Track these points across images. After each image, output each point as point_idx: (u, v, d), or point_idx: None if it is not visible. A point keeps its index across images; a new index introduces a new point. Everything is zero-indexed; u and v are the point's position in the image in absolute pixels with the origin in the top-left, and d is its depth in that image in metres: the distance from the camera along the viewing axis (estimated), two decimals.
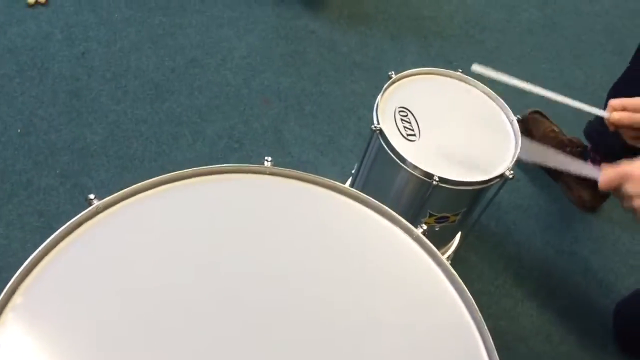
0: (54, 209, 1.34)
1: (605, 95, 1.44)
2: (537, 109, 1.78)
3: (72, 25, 1.77)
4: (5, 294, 0.61)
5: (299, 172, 0.82)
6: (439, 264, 0.77)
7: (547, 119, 1.77)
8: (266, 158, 0.83)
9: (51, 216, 1.32)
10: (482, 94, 1.29)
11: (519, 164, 1.69)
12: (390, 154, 1.14)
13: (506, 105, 1.26)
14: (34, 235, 1.28)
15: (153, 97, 1.65)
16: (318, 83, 1.81)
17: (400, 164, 1.13)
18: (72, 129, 1.52)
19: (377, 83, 1.20)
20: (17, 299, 0.62)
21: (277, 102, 1.73)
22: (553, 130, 1.73)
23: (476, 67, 1.20)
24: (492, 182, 1.14)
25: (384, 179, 1.23)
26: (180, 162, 1.50)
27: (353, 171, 1.39)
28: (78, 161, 1.46)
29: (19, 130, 1.49)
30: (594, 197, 1.64)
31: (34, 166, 1.42)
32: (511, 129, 1.24)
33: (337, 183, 0.82)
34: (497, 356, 0.66)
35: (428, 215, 1.22)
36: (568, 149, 1.67)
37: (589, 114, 1.03)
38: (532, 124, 1.77)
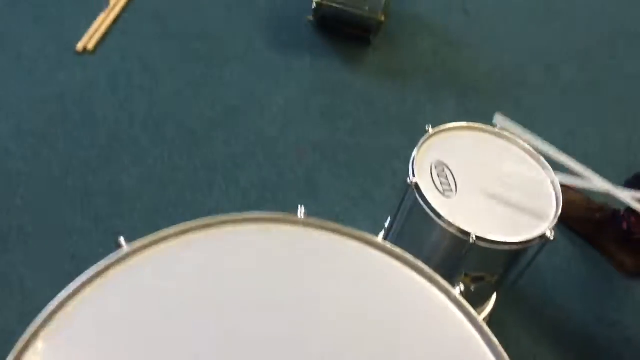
0: (87, 252, 1.35)
1: None
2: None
3: (117, 72, 1.83)
4: (26, 338, 0.60)
5: (332, 223, 0.80)
6: (478, 329, 0.73)
7: (573, 189, 1.72)
8: (300, 207, 0.81)
9: (82, 259, 1.32)
10: (522, 151, 1.26)
11: (558, 226, 1.63)
12: (426, 209, 1.11)
13: (547, 164, 1.23)
14: (65, 279, 1.28)
15: (190, 144, 1.67)
16: (354, 135, 1.81)
17: (436, 219, 1.10)
18: (109, 172, 1.54)
19: (414, 136, 1.18)
20: (38, 344, 0.61)
21: (311, 153, 1.73)
22: (581, 199, 1.68)
23: (498, 119, 1.18)
24: (531, 243, 1.10)
25: (418, 235, 1.19)
26: (213, 210, 1.50)
27: (386, 225, 1.36)
28: (112, 205, 1.47)
29: (57, 173, 1.51)
30: (637, 262, 1.56)
31: (69, 208, 1.44)
32: (552, 188, 1.20)
33: (372, 237, 0.80)
34: None
35: (464, 274, 1.18)
36: (598, 215, 1.62)
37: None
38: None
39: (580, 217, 1.64)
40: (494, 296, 1.39)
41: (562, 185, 1.68)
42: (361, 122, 1.86)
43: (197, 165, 1.62)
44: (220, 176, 1.60)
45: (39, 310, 0.61)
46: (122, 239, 0.73)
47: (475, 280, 1.19)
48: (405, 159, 1.17)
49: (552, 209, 1.15)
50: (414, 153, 1.19)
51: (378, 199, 1.64)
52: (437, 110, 1.98)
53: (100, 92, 1.76)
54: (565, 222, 1.64)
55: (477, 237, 1.06)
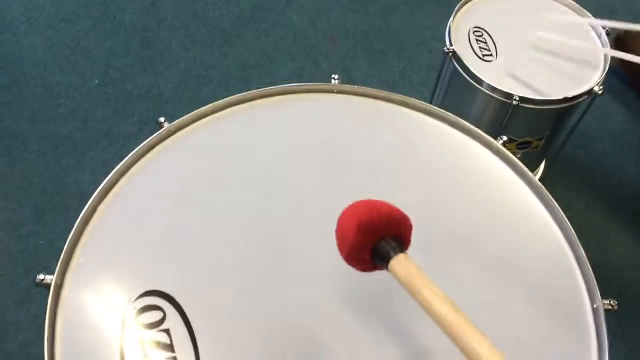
0: None
1: None
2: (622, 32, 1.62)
3: None
4: (87, 209, 0.63)
5: (368, 88, 0.79)
6: (522, 175, 0.73)
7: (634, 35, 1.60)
8: (333, 76, 0.80)
9: None
10: (565, 7, 1.19)
11: (609, 90, 1.56)
12: (465, 76, 1.08)
13: (593, 19, 1.16)
14: None
15: (221, 43, 1.65)
16: (386, 18, 1.74)
17: (477, 85, 1.07)
18: (145, 78, 1.55)
19: (448, 14, 1.13)
20: (97, 216, 0.64)
21: (344, 40, 1.68)
22: None
23: None
24: (578, 100, 1.06)
25: (460, 104, 1.17)
26: None
27: None
28: (153, 108, 1.49)
29: (96, 82, 1.54)
30: None
31: (113, 114, 1.47)
32: (599, 42, 1.14)
33: (408, 98, 0.78)
34: (593, 278, 0.61)
35: (509, 140, 1.15)
36: None
37: None
38: (632, 40, 1.59)
39: None
40: (542, 165, 1.37)
41: (628, 37, 1.58)
42: (393, 4, 1.79)
43: (231, 64, 1.60)
44: (255, 71, 1.59)
45: None
46: (162, 119, 0.75)
47: (521, 146, 1.17)
48: (442, 38, 1.13)
49: (599, 64, 1.10)
50: (450, 21, 1.14)
51: (417, 81, 1.60)
52: None
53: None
54: (627, 77, 1.56)
55: (520, 97, 1.03)
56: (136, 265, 0.60)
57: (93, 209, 0.65)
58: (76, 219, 0.63)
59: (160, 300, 0.57)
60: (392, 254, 0.45)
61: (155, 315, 0.56)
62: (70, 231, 0.62)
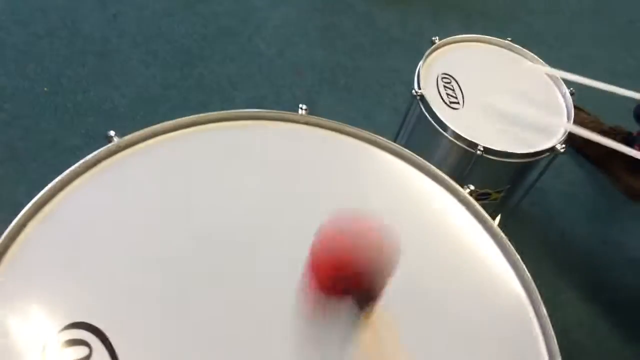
0: None
1: None
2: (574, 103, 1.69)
3: None
4: (15, 224, 0.57)
5: (335, 122, 0.76)
6: (487, 228, 0.70)
7: (585, 111, 1.67)
8: (301, 106, 0.77)
9: None
10: (532, 64, 1.20)
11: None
12: (432, 121, 1.07)
13: (559, 77, 1.17)
14: None
15: (183, 63, 1.60)
16: (354, 57, 1.74)
17: (442, 132, 1.06)
18: (99, 91, 1.48)
19: (416, 59, 1.12)
20: (27, 230, 0.57)
21: (310, 74, 1.66)
22: (592, 121, 1.64)
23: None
24: (541, 156, 1.06)
25: (423, 149, 1.14)
26: None
27: None
28: (104, 122, 1.41)
29: (45, 89, 1.45)
30: None
31: (59, 126, 1.39)
32: (563, 101, 1.15)
33: (377, 137, 0.75)
34: (551, 330, 0.59)
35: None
36: (611, 137, 1.57)
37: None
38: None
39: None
40: (498, 218, 1.37)
41: (574, 108, 1.63)
42: (362, 44, 1.79)
43: (192, 85, 1.55)
44: (216, 95, 1.54)
45: None
46: (112, 132, 0.69)
47: (480, 197, 1.16)
48: (407, 83, 1.12)
49: (562, 122, 1.11)
50: (419, 65, 1.13)
51: (380, 122, 1.59)
52: (440, 33, 1.89)
53: (88, 8, 1.67)
54: (574, 145, 1.60)
55: (484, 148, 1.01)
56: (64, 292, 0.53)
57: (22, 226, 0.58)
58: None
59: (88, 335, 0.51)
60: (362, 308, 0.44)
61: (81, 352, 0.49)
62: None
